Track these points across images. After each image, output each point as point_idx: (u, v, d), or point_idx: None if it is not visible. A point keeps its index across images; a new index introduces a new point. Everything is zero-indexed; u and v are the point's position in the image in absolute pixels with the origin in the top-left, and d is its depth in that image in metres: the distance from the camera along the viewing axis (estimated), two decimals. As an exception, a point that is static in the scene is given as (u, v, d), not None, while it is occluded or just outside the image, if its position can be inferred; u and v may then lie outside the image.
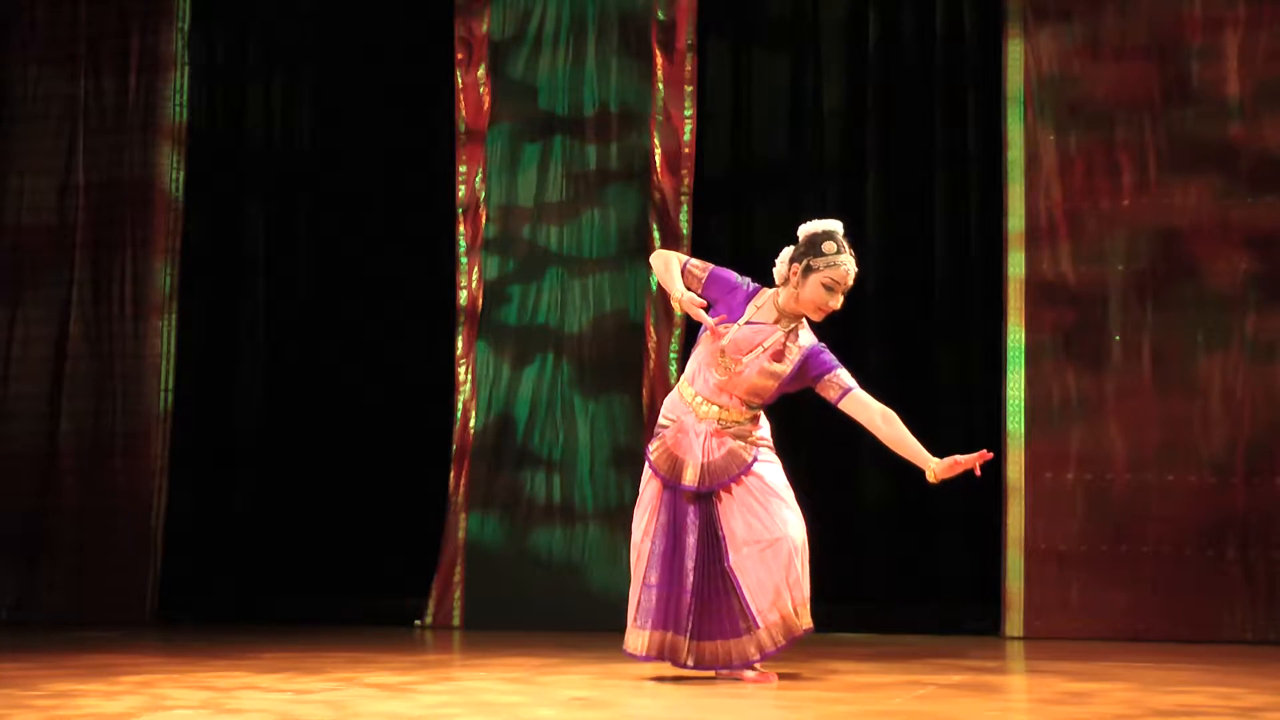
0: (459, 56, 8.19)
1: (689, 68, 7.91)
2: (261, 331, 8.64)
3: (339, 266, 8.54)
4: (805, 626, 4.62)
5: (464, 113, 8.17)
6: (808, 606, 4.63)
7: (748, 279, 4.85)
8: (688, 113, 7.89)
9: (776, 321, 4.71)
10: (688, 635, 4.64)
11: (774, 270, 4.79)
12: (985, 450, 4.58)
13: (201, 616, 8.16)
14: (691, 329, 7.75)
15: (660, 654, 4.67)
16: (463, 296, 8.09)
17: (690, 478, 4.67)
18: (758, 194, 7.96)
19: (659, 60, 7.94)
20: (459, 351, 8.06)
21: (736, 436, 4.71)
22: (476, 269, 8.08)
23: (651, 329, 7.78)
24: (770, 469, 4.73)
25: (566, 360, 7.95)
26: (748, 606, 4.58)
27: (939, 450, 7.57)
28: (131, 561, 8.25)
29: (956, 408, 7.57)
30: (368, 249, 8.46)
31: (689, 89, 7.90)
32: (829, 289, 4.65)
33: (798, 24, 7.97)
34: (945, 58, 7.69)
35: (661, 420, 4.82)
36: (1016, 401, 7.18)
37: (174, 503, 8.40)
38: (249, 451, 8.57)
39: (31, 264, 8.67)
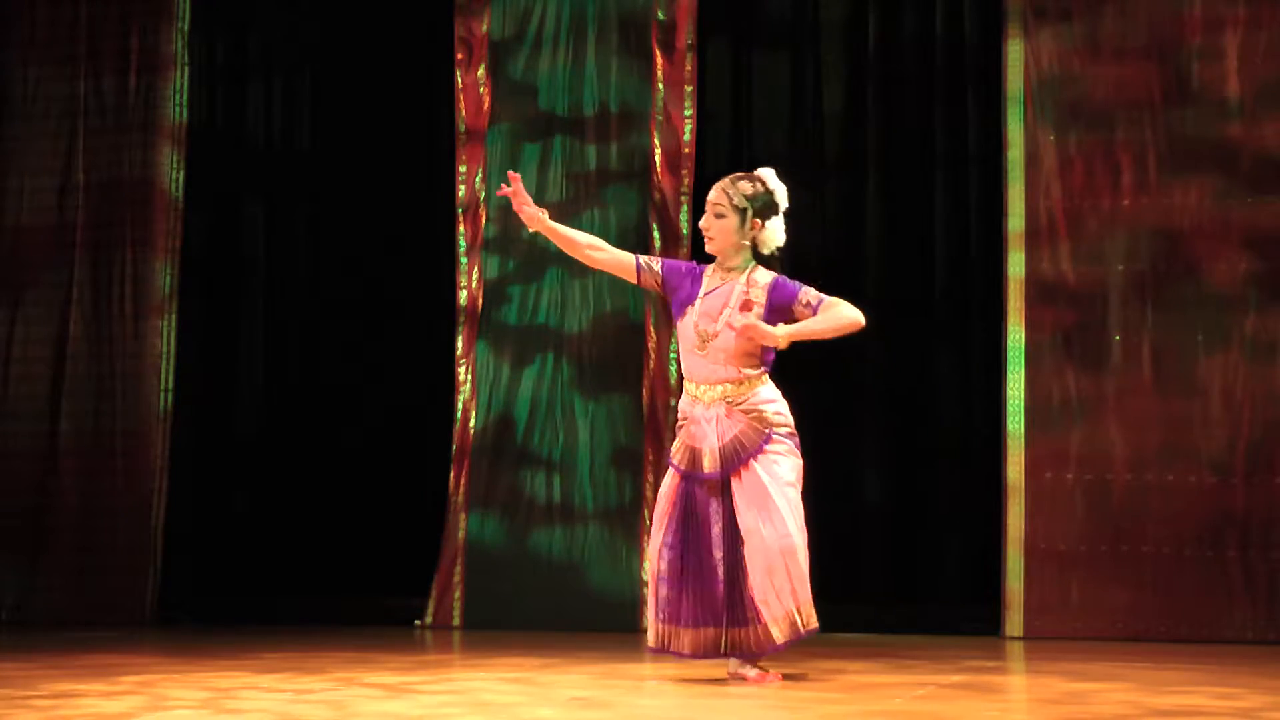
0: (459, 56, 8.19)
1: (689, 68, 7.91)
2: (261, 331, 8.65)
3: (339, 266, 8.55)
4: (810, 626, 4.61)
5: (464, 113, 8.17)
6: (811, 606, 4.63)
7: (693, 262, 5.02)
8: (688, 113, 7.89)
9: (725, 280, 4.81)
10: (724, 625, 4.66)
11: None
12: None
13: (201, 616, 8.15)
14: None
15: (699, 652, 4.68)
16: (463, 296, 8.09)
17: (710, 464, 4.69)
18: (758, 194, 7.95)
19: (659, 60, 7.94)
20: (459, 351, 8.06)
21: (748, 411, 4.72)
22: (476, 269, 8.08)
23: (651, 329, 7.78)
24: (784, 461, 4.72)
25: (566, 360, 7.95)
26: (752, 600, 4.59)
27: (940, 451, 7.63)
28: (131, 561, 8.25)
29: (956, 408, 7.58)
30: (367, 249, 8.46)
31: (689, 89, 7.89)
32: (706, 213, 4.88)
33: (798, 24, 7.98)
34: (945, 58, 7.69)
35: (678, 423, 4.89)
36: (1016, 401, 7.18)
37: (174, 503, 8.39)
38: (249, 451, 8.58)
39: (31, 264, 8.66)
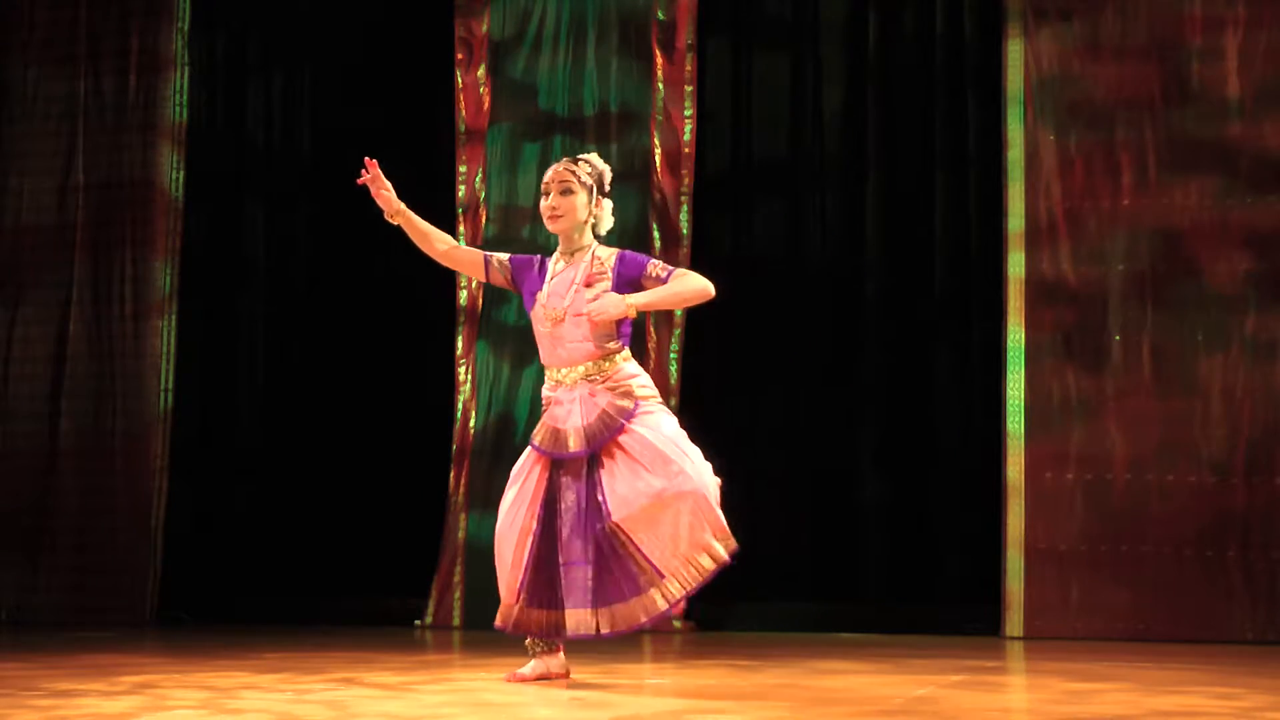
0: (459, 56, 8.19)
1: (689, 68, 7.91)
2: (261, 331, 8.65)
3: (338, 266, 8.55)
4: (720, 560, 4.51)
5: (464, 113, 8.17)
6: (716, 542, 4.52)
7: (539, 255, 5.05)
8: (688, 113, 7.89)
9: (570, 263, 4.85)
10: (591, 605, 4.60)
11: None
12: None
13: (201, 616, 8.16)
14: (692, 330, 7.77)
15: (539, 630, 4.63)
16: (463, 296, 8.09)
17: (575, 443, 4.66)
18: (758, 194, 7.97)
19: (659, 60, 7.94)
20: (459, 351, 8.06)
21: (613, 388, 4.70)
22: (477, 269, 8.06)
23: (651, 329, 7.78)
24: (654, 421, 4.67)
25: (566, 360, 7.93)
26: (647, 559, 4.53)
27: (940, 451, 7.63)
28: (131, 561, 8.25)
29: (956, 408, 7.58)
30: (367, 249, 8.45)
31: (689, 89, 7.90)
32: (543, 194, 4.93)
33: (798, 24, 7.98)
34: (945, 58, 7.69)
35: (543, 408, 4.84)
36: (1016, 401, 7.18)
37: (174, 503, 8.40)
38: (249, 451, 8.58)
39: (31, 264, 8.67)
